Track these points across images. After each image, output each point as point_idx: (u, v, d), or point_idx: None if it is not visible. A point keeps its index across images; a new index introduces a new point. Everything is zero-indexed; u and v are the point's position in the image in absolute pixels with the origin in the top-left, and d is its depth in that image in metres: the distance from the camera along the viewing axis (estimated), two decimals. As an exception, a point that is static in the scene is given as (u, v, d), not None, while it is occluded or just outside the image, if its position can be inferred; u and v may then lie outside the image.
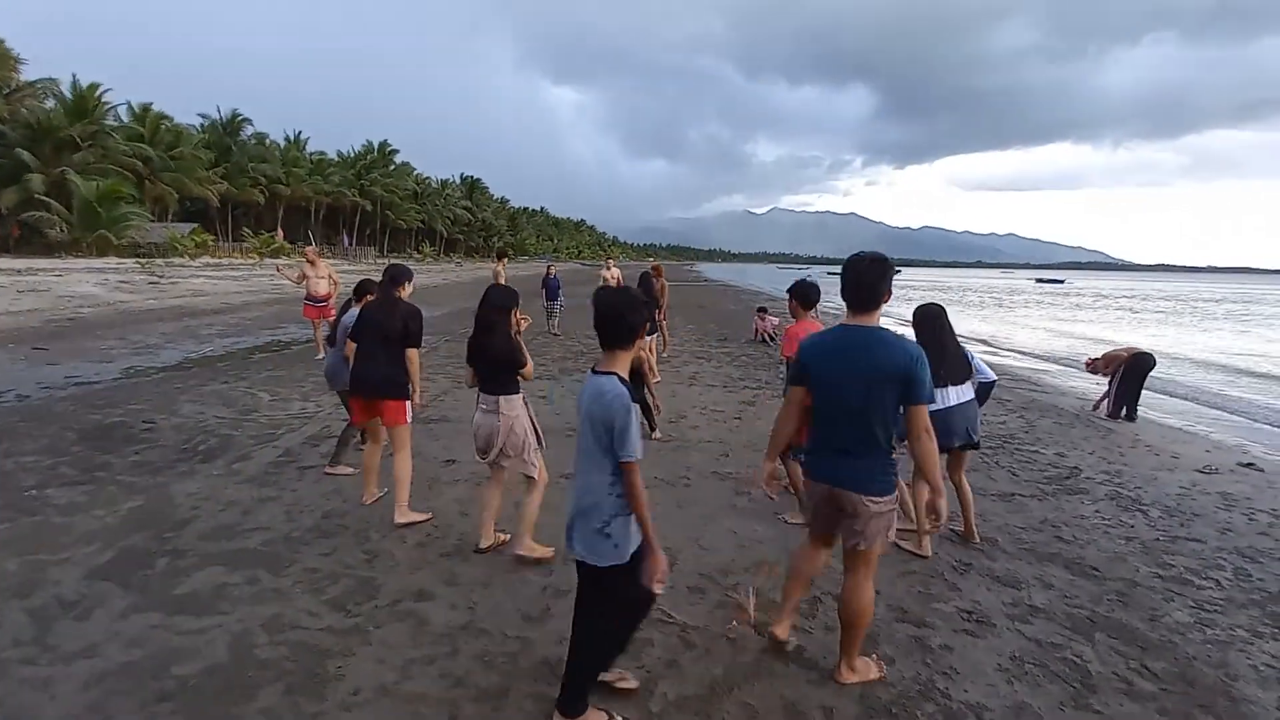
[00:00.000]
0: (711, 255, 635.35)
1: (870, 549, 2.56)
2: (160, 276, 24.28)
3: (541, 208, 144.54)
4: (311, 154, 62.17)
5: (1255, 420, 9.32)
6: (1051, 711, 2.57)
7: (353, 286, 4.93)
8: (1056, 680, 2.76)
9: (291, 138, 60.31)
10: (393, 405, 4.08)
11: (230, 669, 2.63)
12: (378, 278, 4.44)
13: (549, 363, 10.18)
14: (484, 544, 3.71)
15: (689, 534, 4.06)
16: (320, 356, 9.70)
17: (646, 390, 6.20)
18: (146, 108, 41.21)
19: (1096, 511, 4.74)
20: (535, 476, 3.68)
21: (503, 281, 12.67)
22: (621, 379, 2.28)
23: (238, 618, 2.98)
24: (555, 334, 13.68)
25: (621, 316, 2.29)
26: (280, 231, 49.65)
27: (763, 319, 14.18)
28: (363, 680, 2.58)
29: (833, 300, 6.71)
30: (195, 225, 41.96)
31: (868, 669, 2.73)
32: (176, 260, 31.64)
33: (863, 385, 2.43)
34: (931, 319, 3.96)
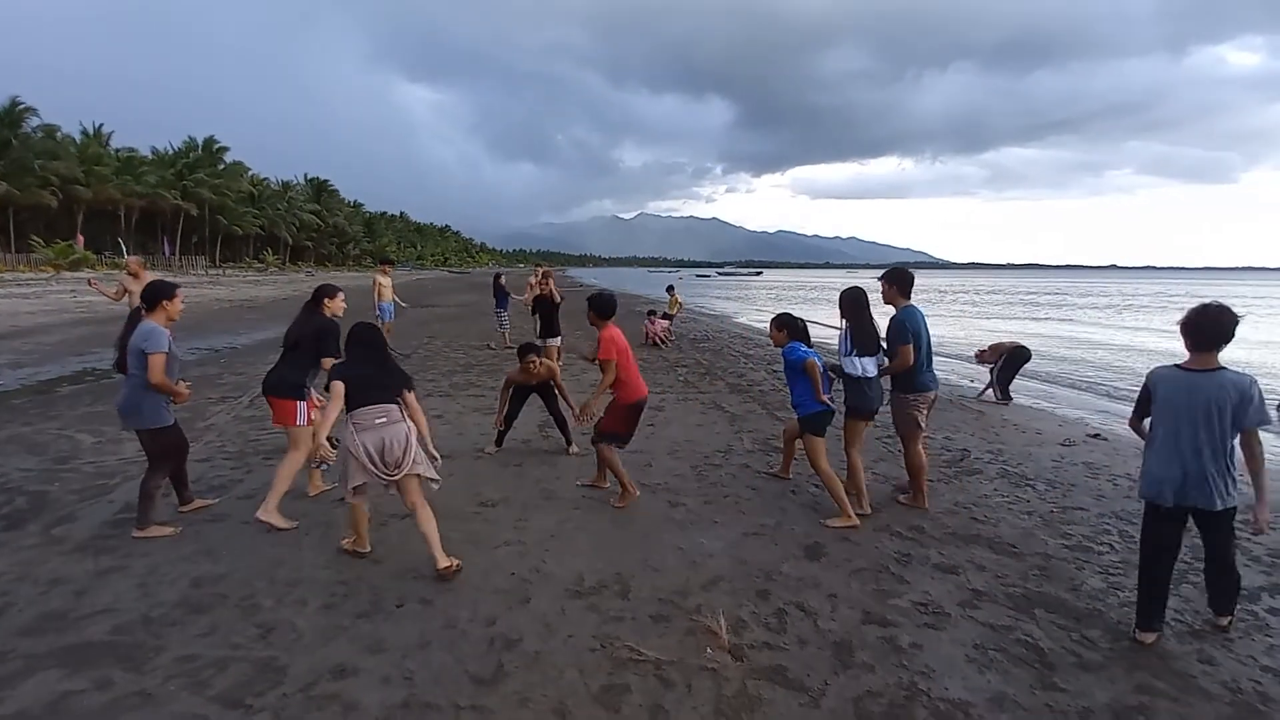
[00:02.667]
0: (583, 260, 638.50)
1: None
2: (-86, 296, 19.69)
3: (401, 212, 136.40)
4: (119, 150, 53.95)
5: (1084, 393, 10.80)
6: (1026, 696, 2.62)
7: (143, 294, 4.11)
8: (1020, 664, 2.84)
9: (91, 131, 51.90)
10: (281, 404, 4.26)
11: (89, 817, 1.97)
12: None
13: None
14: (444, 562, 3.45)
15: (636, 555, 3.79)
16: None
17: (562, 402, 5.84)
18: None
19: (995, 490, 5.12)
20: (438, 480, 3.65)
21: (388, 294, 11.59)
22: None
23: (90, 740, 2.28)
24: (510, 347, 11.92)
25: None
26: (80, 239, 42.46)
27: (652, 322, 14.24)
28: (285, 798, 2.05)
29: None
30: (-39, 233, 34.71)
31: None
32: (-63, 276, 25.90)
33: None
34: (852, 300, 4.54)
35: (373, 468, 3.40)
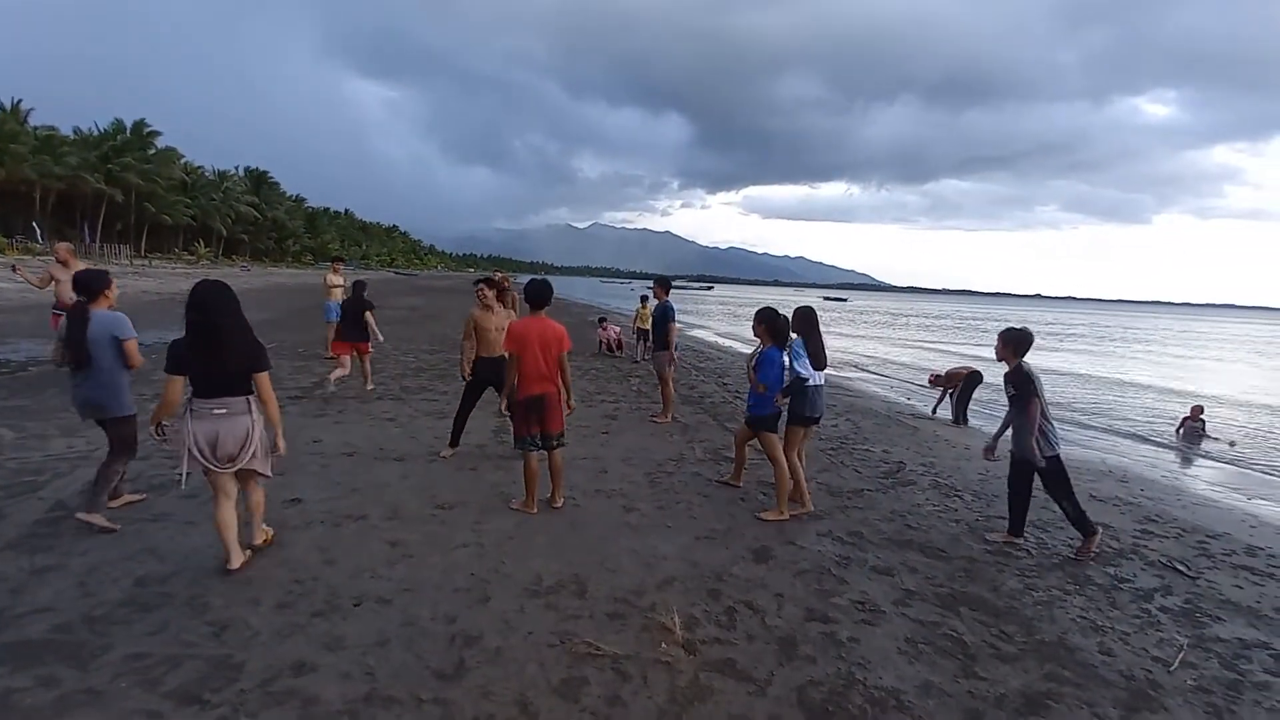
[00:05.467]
0: (535, 268, 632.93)
1: None
2: None
3: (346, 210, 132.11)
4: (37, 128, 50.38)
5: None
6: (950, 684, 2.88)
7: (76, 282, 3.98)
8: (946, 655, 3.10)
9: (8, 107, 48.36)
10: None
11: (42, 812, 1.94)
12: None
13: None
14: (235, 564, 3.42)
15: (592, 557, 3.91)
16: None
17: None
18: None
19: (927, 499, 5.48)
20: (270, 475, 3.58)
21: (338, 294, 11.31)
22: None
23: (37, 737, 2.22)
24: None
25: None
26: (-11, 221, 39.41)
27: (605, 329, 14.34)
28: (248, 789, 2.06)
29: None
30: None
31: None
32: None
33: None
34: (805, 318, 4.96)
35: (202, 459, 3.27)
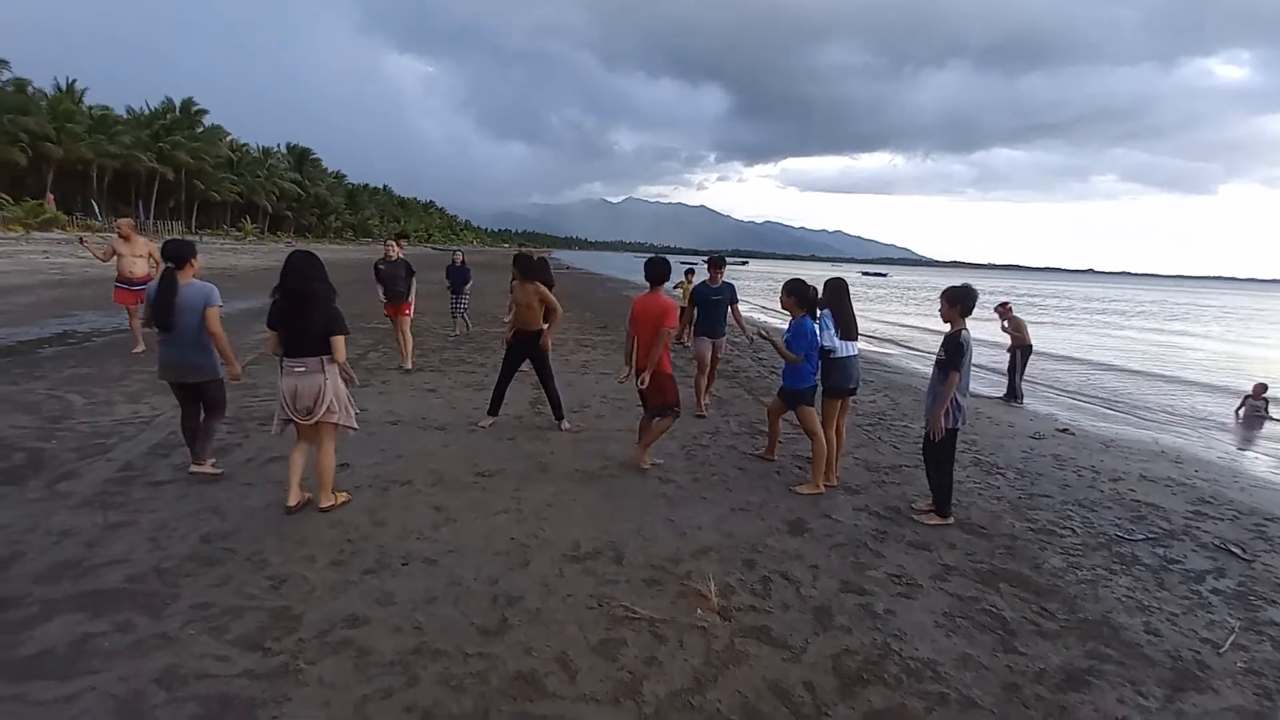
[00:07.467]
0: (569, 243, 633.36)
1: None
2: (-121, 250, 19.06)
3: (385, 186, 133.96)
4: (92, 108, 52.17)
5: (1053, 392, 11.21)
6: (988, 658, 2.87)
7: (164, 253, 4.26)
8: (984, 630, 3.08)
9: (64, 87, 50.12)
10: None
11: (127, 741, 2.11)
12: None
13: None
14: (293, 502, 3.82)
15: (629, 526, 3.97)
16: (139, 349, 8.19)
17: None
18: None
19: (968, 476, 5.38)
20: (355, 428, 3.99)
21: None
22: None
23: (118, 675, 2.40)
24: (460, 335, 11.65)
25: None
26: (50, 198, 41.24)
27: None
28: (309, 729, 2.20)
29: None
30: (-75, 187, 33.47)
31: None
32: (-99, 230, 25.02)
33: None
34: (835, 288, 4.92)
35: (286, 411, 3.74)
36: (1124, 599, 3.48)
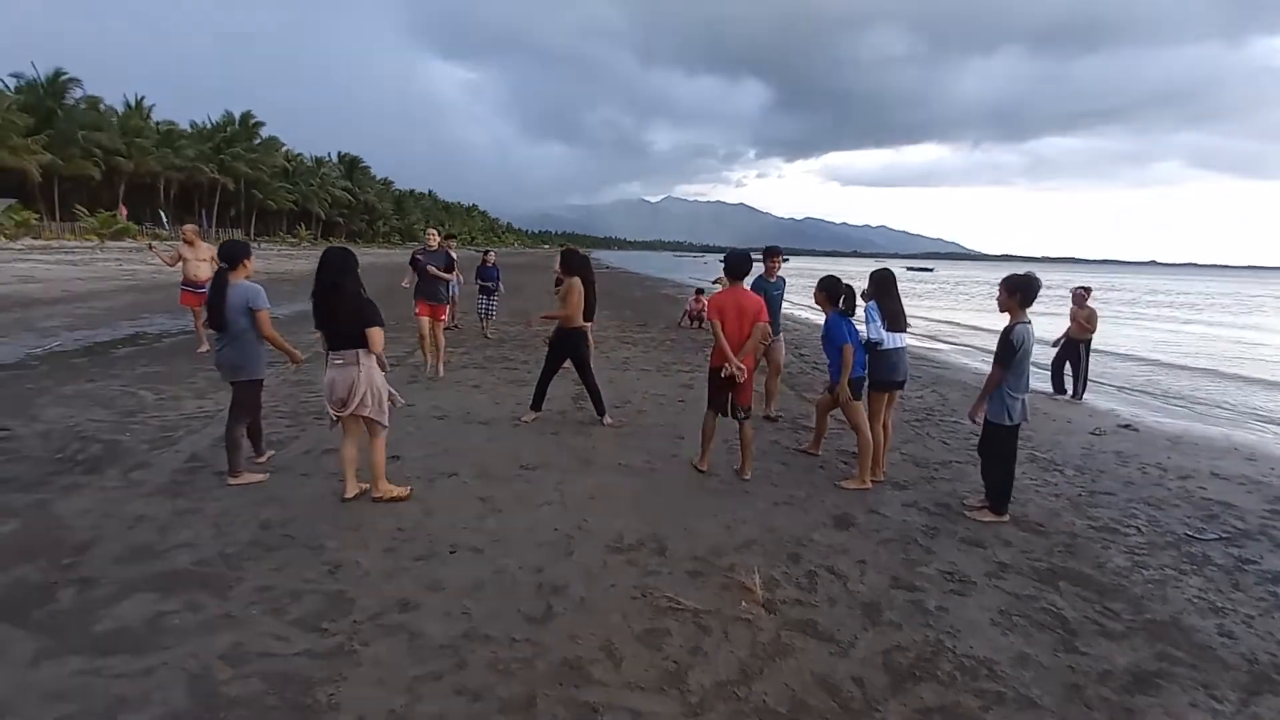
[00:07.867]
0: (608, 243, 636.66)
1: None
2: (-28, 261, 20.56)
3: (430, 191, 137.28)
4: (159, 123, 55.01)
5: (1117, 389, 10.69)
6: (1048, 657, 2.76)
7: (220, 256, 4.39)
8: (1043, 629, 2.97)
9: (132, 104, 53.01)
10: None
11: (197, 714, 2.22)
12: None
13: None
14: (350, 494, 3.98)
15: (672, 519, 3.97)
16: (204, 349, 8.60)
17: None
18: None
19: (1024, 473, 5.18)
20: (387, 425, 4.03)
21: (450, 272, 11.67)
22: None
23: (188, 651, 2.53)
24: (488, 337, 11.28)
25: None
26: (123, 209, 43.67)
27: (699, 301, 14.14)
28: (365, 707, 2.27)
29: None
30: (12, 201, 35.89)
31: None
32: (-9, 242, 26.94)
33: None
34: (881, 280, 4.81)
35: (327, 403, 3.91)
36: (1195, 600, 3.30)
